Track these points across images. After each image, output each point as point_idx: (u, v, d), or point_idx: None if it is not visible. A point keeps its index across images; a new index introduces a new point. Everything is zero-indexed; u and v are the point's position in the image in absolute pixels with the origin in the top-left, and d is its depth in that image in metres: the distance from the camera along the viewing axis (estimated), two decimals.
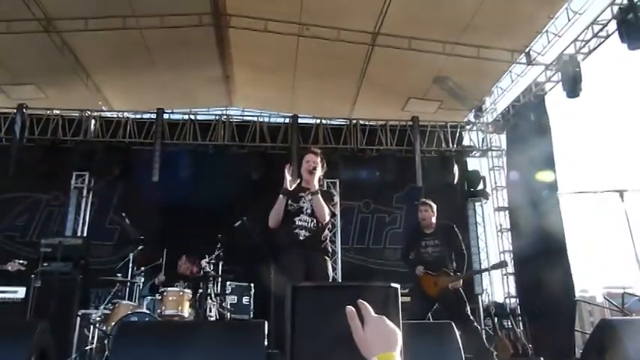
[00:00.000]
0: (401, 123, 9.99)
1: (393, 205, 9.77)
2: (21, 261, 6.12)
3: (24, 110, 9.41)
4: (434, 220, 5.47)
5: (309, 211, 4.09)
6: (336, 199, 9.24)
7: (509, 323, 8.14)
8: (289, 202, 4.08)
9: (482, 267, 9.66)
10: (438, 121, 10.18)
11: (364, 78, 9.49)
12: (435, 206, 5.53)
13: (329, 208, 4.11)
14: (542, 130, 8.49)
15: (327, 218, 4.10)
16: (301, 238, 4.02)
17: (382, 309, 2.51)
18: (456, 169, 9.63)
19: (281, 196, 4.01)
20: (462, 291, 5.24)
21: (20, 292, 6.60)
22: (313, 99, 10.50)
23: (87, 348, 5.51)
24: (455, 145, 10.10)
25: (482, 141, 10.50)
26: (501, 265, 6.34)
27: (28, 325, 2.96)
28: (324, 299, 2.58)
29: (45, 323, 2.99)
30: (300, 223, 4.04)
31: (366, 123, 10.05)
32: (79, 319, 6.20)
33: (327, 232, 4.31)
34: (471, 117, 10.49)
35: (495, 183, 10.28)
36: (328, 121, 10.08)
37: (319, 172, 4.17)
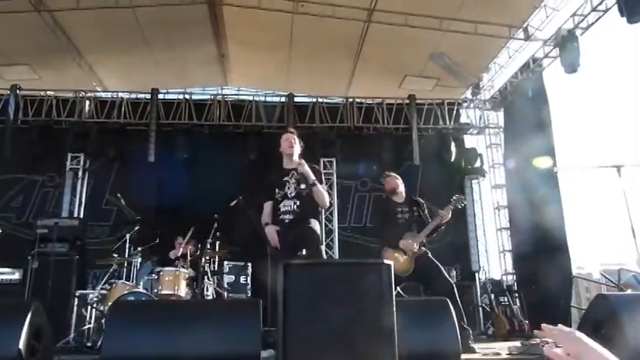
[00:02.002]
0: (398, 101, 9.92)
1: None
2: None
3: (17, 91, 9.32)
4: (403, 189, 5.37)
5: (292, 194, 4.28)
6: (333, 178, 9.31)
7: (506, 300, 8.19)
8: (277, 190, 4.30)
9: (479, 245, 9.70)
10: (435, 99, 10.11)
11: (360, 55, 9.38)
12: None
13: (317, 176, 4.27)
14: (540, 107, 8.43)
15: (327, 202, 4.35)
16: (287, 222, 4.22)
17: (376, 286, 2.52)
18: (453, 146, 9.59)
19: (270, 202, 4.28)
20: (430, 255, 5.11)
21: (17, 273, 6.62)
22: (309, 77, 10.39)
23: (84, 328, 5.55)
24: (452, 123, 10.04)
25: (480, 118, 10.44)
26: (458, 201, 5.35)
27: (21, 305, 2.96)
28: (317, 276, 2.59)
29: (39, 303, 2.99)
30: (284, 209, 4.24)
31: (363, 101, 9.98)
32: (76, 299, 6.23)
33: (315, 208, 4.43)
34: (469, 94, 10.40)
35: (492, 160, 10.25)
36: (324, 100, 9.99)
37: (298, 148, 4.35)
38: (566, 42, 7.47)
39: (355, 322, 2.45)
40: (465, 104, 10.46)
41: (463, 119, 10.43)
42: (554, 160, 8.08)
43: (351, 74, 10.07)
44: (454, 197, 5.23)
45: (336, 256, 8.65)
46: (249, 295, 7.19)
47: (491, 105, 10.27)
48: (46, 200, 9.28)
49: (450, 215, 5.04)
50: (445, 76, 9.46)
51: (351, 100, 9.97)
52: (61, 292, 6.04)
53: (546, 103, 8.42)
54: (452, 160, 9.56)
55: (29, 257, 6.44)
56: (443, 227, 5.15)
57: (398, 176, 5.44)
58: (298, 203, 4.22)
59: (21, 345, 2.83)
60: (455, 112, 10.14)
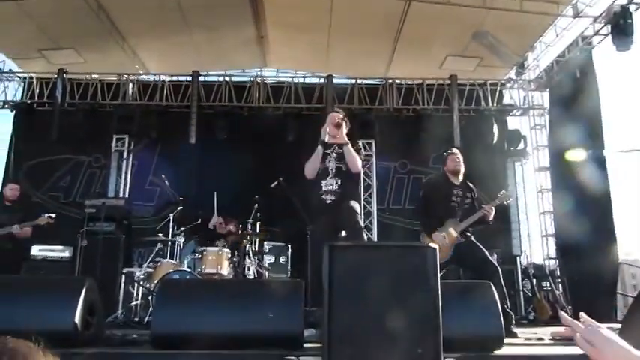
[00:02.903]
0: (438, 82, 9.72)
1: (430, 165, 9.61)
2: (52, 215, 6.36)
3: (64, 75, 9.60)
4: (463, 170, 5.23)
5: (334, 171, 4.27)
6: (372, 160, 9.27)
7: (548, 285, 8.03)
8: None
9: (521, 229, 9.50)
10: (477, 79, 9.86)
11: (400, 35, 9.22)
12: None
13: (359, 157, 4.30)
14: (588, 87, 8.12)
15: (359, 166, 4.33)
16: (328, 202, 4.22)
17: (420, 269, 2.51)
18: (495, 128, 9.37)
19: (319, 147, 4.16)
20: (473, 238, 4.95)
21: (68, 251, 6.91)
22: (348, 58, 10.30)
23: (132, 304, 5.76)
24: (494, 104, 9.78)
25: (524, 99, 10.14)
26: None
27: (77, 280, 3.09)
28: (362, 258, 2.60)
29: (92, 280, 3.11)
30: (326, 188, 4.24)
31: (403, 82, 9.83)
32: (123, 276, 6.45)
33: (355, 187, 4.45)
34: (512, 74, 10.11)
35: (536, 142, 9.97)
36: (363, 81, 9.90)
37: (345, 127, 4.36)
38: (618, 18, 7.14)
39: (399, 305, 2.45)
40: (508, 84, 10.16)
41: (506, 100, 10.15)
42: (601, 141, 7.79)
43: (391, 55, 9.93)
44: (501, 193, 5.09)
45: (375, 238, 8.65)
46: (289, 275, 7.28)
47: (536, 85, 9.95)
48: (93, 181, 9.59)
49: (493, 212, 4.88)
50: (488, 55, 9.20)
51: (390, 81, 9.83)
52: (108, 269, 6.26)
53: (595, 83, 8.10)
54: (494, 142, 9.34)
55: (78, 236, 6.70)
56: (482, 227, 5.02)
57: (461, 155, 5.18)
58: (340, 182, 4.22)
59: (76, 319, 2.96)
60: (498, 92, 9.87)
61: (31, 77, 9.92)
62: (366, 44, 9.76)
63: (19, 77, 10.01)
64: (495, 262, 4.87)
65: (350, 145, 4.25)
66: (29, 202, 8.27)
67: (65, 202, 9.35)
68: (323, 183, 4.24)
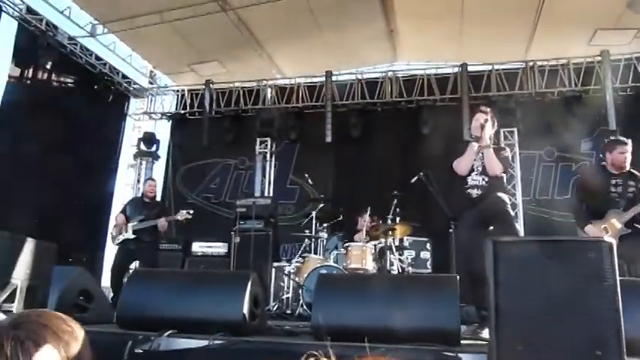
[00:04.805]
0: (587, 59, 8.89)
1: (580, 151, 8.83)
2: (190, 211, 6.85)
3: (210, 85, 10.46)
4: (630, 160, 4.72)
5: (480, 168, 4.12)
6: (515, 148, 8.76)
7: None
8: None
9: None
10: (634, 53, 8.83)
11: (541, 13, 8.57)
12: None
13: (500, 162, 4.11)
14: None
15: (497, 172, 4.11)
16: (474, 196, 4.08)
17: (596, 266, 2.31)
18: None
19: (473, 143, 4.05)
20: None
21: (223, 247, 7.54)
22: (482, 44, 9.82)
23: (283, 297, 6.10)
24: None
25: None
26: None
27: (244, 274, 3.34)
28: (528, 254, 2.47)
29: (256, 274, 3.35)
30: (472, 183, 4.10)
31: (545, 64, 9.15)
32: (273, 270, 6.86)
33: (501, 184, 4.23)
34: None
35: None
36: (501, 67, 9.40)
37: (490, 129, 4.16)
38: None
39: (573, 304, 2.28)
40: None
41: None
42: None
43: (531, 35, 9.26)
44: None
45: (522, 232, 8.17)
46: (431, 270, 7.18)
47: None
48: (239, 181, 10.33)
49: None
50: None
51: (531, 63, 9.21)
52: (260, 263, 6.70)
53: None
54: None
55: (231, 233, 7.27)
56: None
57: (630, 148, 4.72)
58: (486, 179, 4.08)
59: (244, 310, 3.21)
60: None
61: (183, 90, 10.96)
62: (502, 27, 9.22)
63: (173, 91, 11.13)
64: None
65: (491, 149, 4.06)
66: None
67: (216, 202, 10.18)
68: (469, 178, 4.11)
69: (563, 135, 8.70)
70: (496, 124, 4.30)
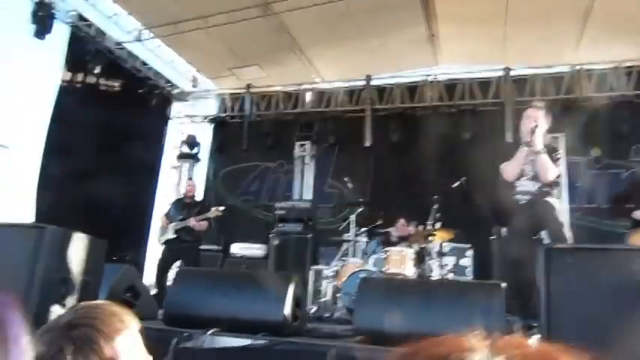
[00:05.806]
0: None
1: (631, 158, 8.51)
2: (220, 207, 6.90)
3: (250, 90, 10.60)
4: None
5: (530, 174, 3.96)
6: (561, 154, 8.50)
7: None
8: None
9: None
10: None
11: (590, 14, 8.30)
12: None
13: (554, 166, 3.93)
14: None
15: (551, 177, 3.93)
16: (522, 202, 3.94)
17: None
18: None
19: (524, 147, 3.91)
20: None
21: (262, 249, 7.60)
22: (526, 47, 9.58)
23: (322, 300, 6.09)
24: None
25: None
26: None
27: (286, 277, 3.37)
28: (582, 262, 2.39)
29: (298, 277, 3.38)
30: (520, 189, 3.96)
31: (594, 67, 8.87)
32: (311, 273, 6.86)
33: (553, 190, 4.08)
34: None
35: None
36: (546, 70, 9.16)
37: (542, 130, 3.97)
38: None
39: (628, 314, 2.20)
40: None
41: None
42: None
43: (578, 38, 8.98)
44: None
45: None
46: (472, 277, 7.04)
47: None
48: (278, 185, 10.40)
49: None
50: None
51: (578, 67, 8.94)
52: (298, 266, 6.73)
53: None
54: None
55: (270, 235, 7.33)
56: None
57: None
58: (539, 185, 3.93)
59: (286, 311, 3.23)
60: None
61: (224, 94, 11.13)
62: (547, 30, 8.97)
63: (215, 94, 11.32)
64: None
65: (544, 155, 3.90)
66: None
67: (255, 205, 10.28)
68: (518, 183, 3.99)
69: (612, 141, 8.42)
70: (547, 124, 4.12)
